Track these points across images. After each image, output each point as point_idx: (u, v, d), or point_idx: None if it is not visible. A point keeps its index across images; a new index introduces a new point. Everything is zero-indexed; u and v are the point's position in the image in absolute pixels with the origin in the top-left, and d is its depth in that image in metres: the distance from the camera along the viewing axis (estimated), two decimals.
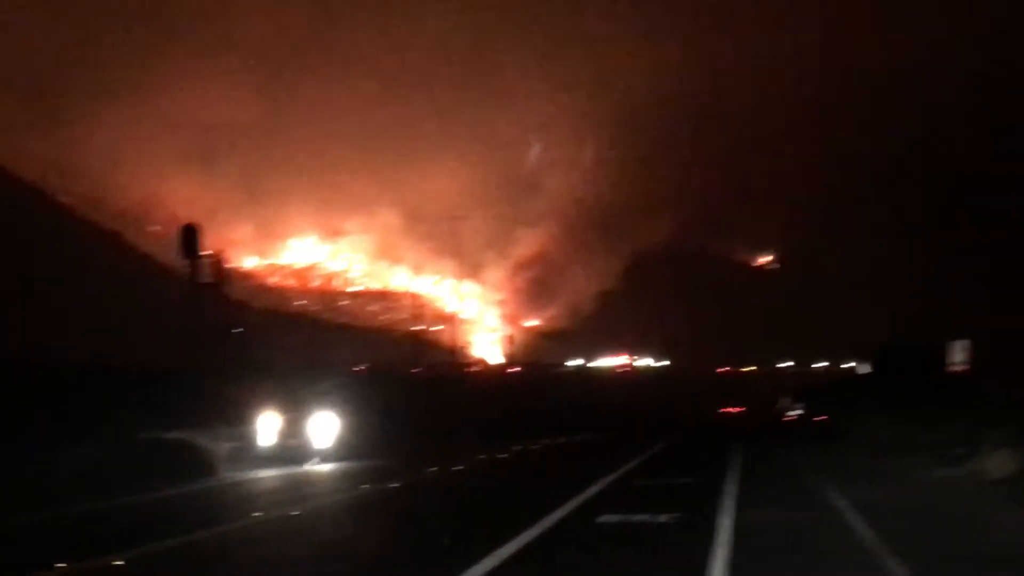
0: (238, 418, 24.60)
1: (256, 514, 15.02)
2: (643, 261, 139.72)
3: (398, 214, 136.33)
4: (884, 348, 41.63)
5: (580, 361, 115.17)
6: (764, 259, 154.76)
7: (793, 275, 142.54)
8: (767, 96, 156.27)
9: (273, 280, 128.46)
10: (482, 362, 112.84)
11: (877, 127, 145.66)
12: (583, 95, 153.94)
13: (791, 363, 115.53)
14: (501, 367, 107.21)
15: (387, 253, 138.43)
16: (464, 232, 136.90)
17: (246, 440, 24.23)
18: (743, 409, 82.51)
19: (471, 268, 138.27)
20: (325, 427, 25.75)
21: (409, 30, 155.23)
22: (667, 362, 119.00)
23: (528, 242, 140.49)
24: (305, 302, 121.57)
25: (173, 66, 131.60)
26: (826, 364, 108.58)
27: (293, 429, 25.17)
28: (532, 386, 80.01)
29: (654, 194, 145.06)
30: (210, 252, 30.73)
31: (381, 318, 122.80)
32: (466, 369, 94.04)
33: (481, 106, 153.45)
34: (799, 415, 49.95)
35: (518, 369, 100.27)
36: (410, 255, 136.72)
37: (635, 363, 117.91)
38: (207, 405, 24.65)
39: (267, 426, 24.76)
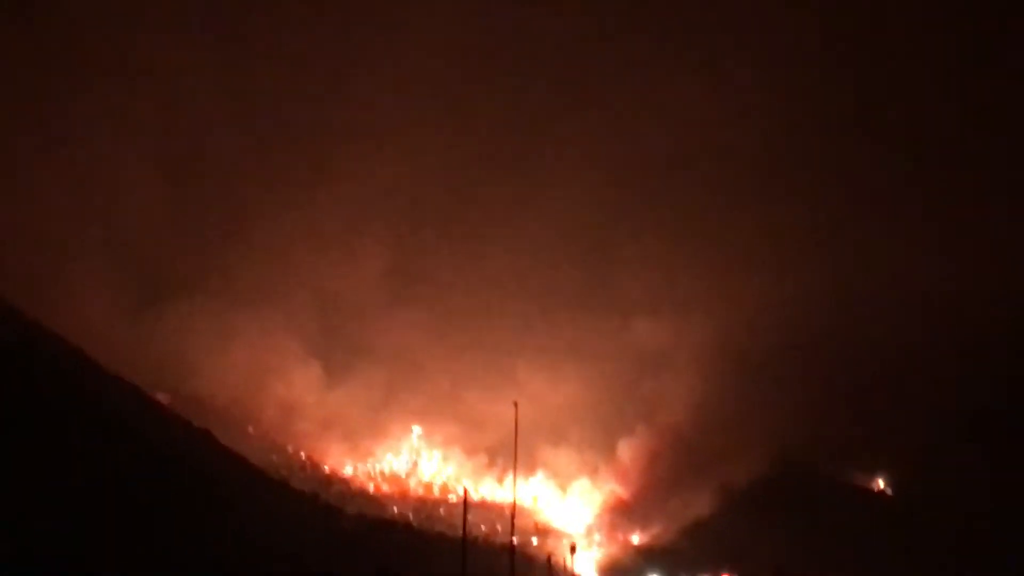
0: None
1: None
2: (750, 482, 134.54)
3: (503, 421, 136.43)
4: None
5: None
6: (879, 483, 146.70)
7: (915, 501, 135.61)
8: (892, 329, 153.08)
9: (368, 486, 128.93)
10: None
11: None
12: (697, 317, 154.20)
13: None
14: None
15: (494, 460, 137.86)
16: (569, 438, 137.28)
17: None
18: None
19: (575, 475, 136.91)
20: None
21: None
22: None
23: (633, 452, 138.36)
24: (396, 509, 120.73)
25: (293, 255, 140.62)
26: None
27: None
28: None
29: (765, 414, 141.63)
30: None
31: (481, 528, 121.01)
32: None
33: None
34: None
35: None
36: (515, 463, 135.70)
37: None
38: None
39: None
